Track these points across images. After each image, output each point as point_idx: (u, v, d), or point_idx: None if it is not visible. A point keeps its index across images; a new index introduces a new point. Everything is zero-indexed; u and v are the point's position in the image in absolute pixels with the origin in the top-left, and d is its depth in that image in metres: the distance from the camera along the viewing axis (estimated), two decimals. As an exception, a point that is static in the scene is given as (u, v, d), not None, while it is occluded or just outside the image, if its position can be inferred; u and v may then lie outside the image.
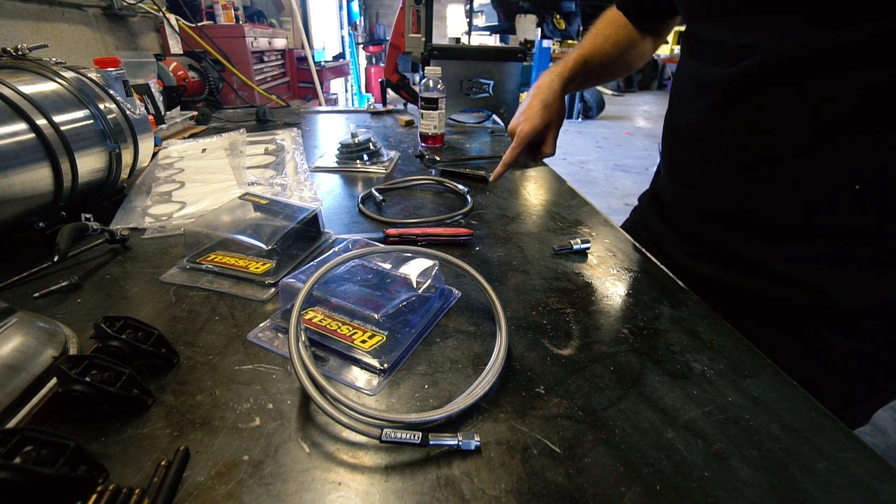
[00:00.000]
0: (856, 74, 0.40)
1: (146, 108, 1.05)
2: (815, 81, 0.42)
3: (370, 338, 0.41)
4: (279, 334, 0.42)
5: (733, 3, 0.47)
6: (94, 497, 0.26)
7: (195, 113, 1.29)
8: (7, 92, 0.53)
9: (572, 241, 0.60)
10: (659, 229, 0.66)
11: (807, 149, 0.45)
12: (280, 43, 2.42)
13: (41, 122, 0.55)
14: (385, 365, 0.38)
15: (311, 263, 0.47)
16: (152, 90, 1.08)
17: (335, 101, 3.96)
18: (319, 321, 0.43)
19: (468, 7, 3.83)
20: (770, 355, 0.42)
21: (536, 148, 0.70)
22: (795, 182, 0.46)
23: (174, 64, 1.38)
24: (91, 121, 0.63)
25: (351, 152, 0.94)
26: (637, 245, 0.63)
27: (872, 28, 0.37)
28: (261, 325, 0.44)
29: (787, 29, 0.43)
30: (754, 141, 0.49)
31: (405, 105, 1.62)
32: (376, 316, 0.41)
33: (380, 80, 1.52)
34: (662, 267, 0.57)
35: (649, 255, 0.60)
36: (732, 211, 0.53)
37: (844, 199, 0.44)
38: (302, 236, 0.59)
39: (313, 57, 2.54)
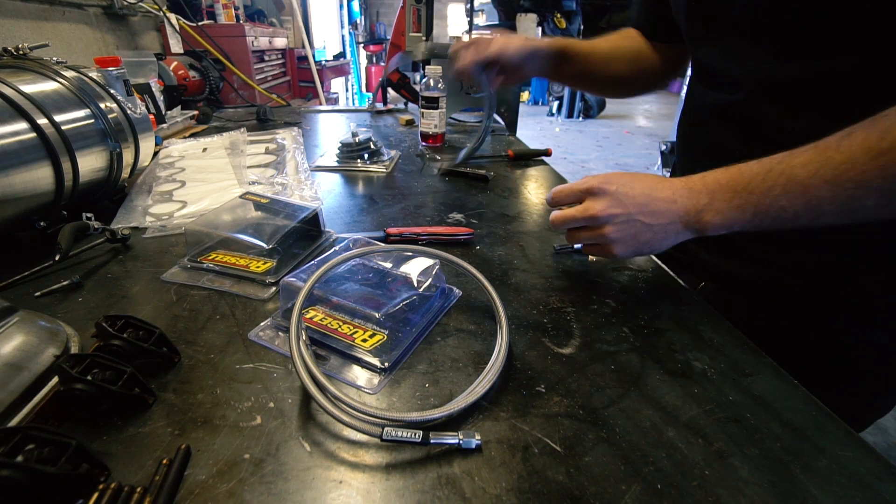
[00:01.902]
0: (835, 102, 0.43)
1: (147, 107, 1.05)
2: (798, 108, 0.45)
3: (371, 336, 0.41)
4: (280, 333, 0.42)
5: (716, 31, 0.50)
6: (95, 495, 0.27)
7: (196, 112, 1.29)
8: (8, 91, 0.53)
9: (573, 240, 0.60)
10: None
11: None
12: (280, 42, 2.42)
13: (42, 121, 0.55)
14: (386, 364, 0.38)
15: (312, 262, 0.47)
16: (153, 89, 1.08)
17: (336, 101, 3.96)
18: (320, 320, 0.43)
19: (468, 6, 3.83)
20: (792, 349, 0.42)
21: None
22: None
23: (175, 63, 1.38)
24: (92, 120, 0.63)
25: (351, 151, 0.94)
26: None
27: (833, 65, 0.42)
28: (262, 323, 0.44)
29: (763, 60, 0.46)
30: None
31: (406, 104, 1.62)
32: (377, 315, 0.41)
33: (380, 79, 1.51)
34: (663, 266, 0.57)
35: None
36: None
37: None
38: (303, 235, 0.59)
39: (314, 56, 2.54)
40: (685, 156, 0.63)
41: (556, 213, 0.47)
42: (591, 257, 0.57)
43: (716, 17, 0.50)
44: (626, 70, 0.69)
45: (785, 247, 0.51)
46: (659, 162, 4.16)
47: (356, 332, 0.41)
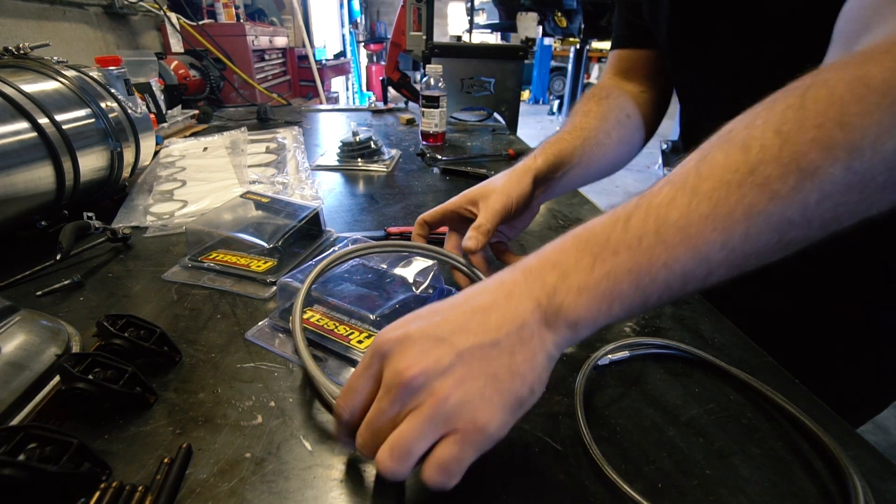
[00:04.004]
0: None
1: (147, 106, 1.05)
2: None
3: (367, 338, 0.41)
4: (278, 333, 0.42)
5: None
6: (97, 494, 0.27)
7: (196, 111, 1.29)
8: (9, 91, 0.53)
9: (574, 240, 0.59)
10: None
11: None
12: (281, 41, 2.42)
13: (43, 120, 0.55)
14: (385, 364, 0.38)
15: (312, 262, 0.47)
16: (154, 89, 1.08)
17: (336, 100, 3.95)
18: (317, 321, 0.43)
19: (469, 5, 3.82)
20: (812, 334, 0.41)
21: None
22: None
23: (175, 62, 1.38)
24: (93, 119, 0.63)
25: (352, 151, 0.94)
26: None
27: None
28: (259, 324, 0.44)
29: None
30: None
31: (406, 103, 1.62)
32: (371, 316, 0.41)
33: (381, 78, 1.51)
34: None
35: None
36: None
37: None
38: (303, 235, 0.59)
39: (314, 55, 2.54)
40: None
41: (361, 430, 0.26)
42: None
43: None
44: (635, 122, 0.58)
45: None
46: (660, 161, 4.15)
47: (352, 333, 0.41)
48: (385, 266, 0.48)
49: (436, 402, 0.24)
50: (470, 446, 0.24)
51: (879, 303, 0.49)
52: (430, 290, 0.46)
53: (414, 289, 0.45)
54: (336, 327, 0.42)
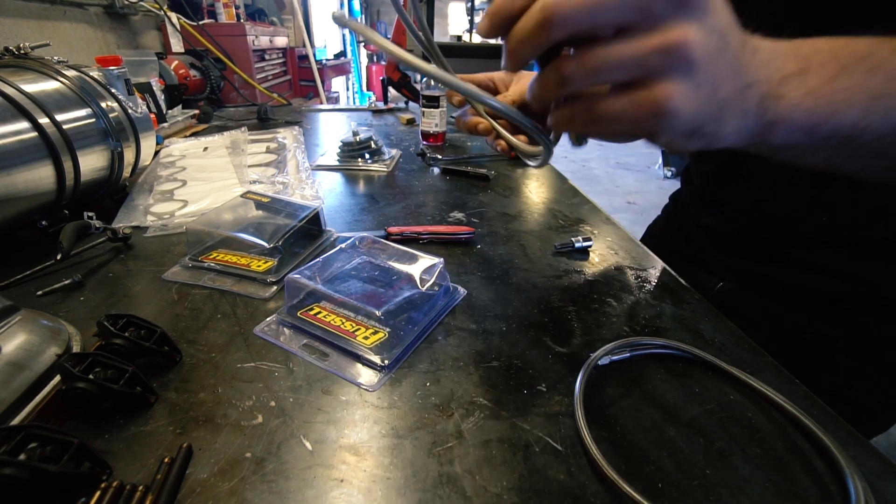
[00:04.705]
0: None
1: (148, 106, 1.05)
2: None
3: (373, 334, 0.41)
4: (285, 329, 0.43)
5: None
6: (97, 494, 0.27)
7: (197, 111, 1.29)
8: (9, 91, 0.53)
9: (574, 239, 0.59)
10: (693, 233, 0.65)
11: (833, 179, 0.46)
12: (281, 41, 2.42)
13: (44, 120, 0.55)
14: (386, 361, 0.38)
15: (318, 259, 0.47)
16: (154, 88, 1.08)
17: (336, 100, 3.95)
18: (324, 317, 0.43)
19: (469, 5, 3.83)
20: (811, 345, 0.41)
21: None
22: (838, 204, 0.47)
23: (175, 62, 1.38)
24: (93, 119, 0.63)
25: (352, 151, 0.94)
26: (639, 243, 0.63)
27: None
28: (267, 319, 0.44)
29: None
30: (783, 183, 0.49)
31: (406, 103, 1.62)
32: (377, 312, 0.41)
33: (381, 78, 1.51)
34: (664, 265, 0.57)
35: (651, 252, 0.60)
36: (776, 231, 0.53)
37: (883, 212, 0.46)
38: (303, 234, 0.59)
39: (314, 55, 2.54)
40: (704, 180, 0.61)
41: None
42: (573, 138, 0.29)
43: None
44: None
45: (805, 246, 0.51)
46: (660, 161, 4.16)
47: (358, 329, 0.41)
48: (392, 263, 0.48)
49: (674, 41, 0.19)
50: (642, 107, 0.21)
51: (879, 317, 0.49)
52: (436, 288, 0.46)
53: (420, 286, 0.45)
54: (343, 323, 0.42)
